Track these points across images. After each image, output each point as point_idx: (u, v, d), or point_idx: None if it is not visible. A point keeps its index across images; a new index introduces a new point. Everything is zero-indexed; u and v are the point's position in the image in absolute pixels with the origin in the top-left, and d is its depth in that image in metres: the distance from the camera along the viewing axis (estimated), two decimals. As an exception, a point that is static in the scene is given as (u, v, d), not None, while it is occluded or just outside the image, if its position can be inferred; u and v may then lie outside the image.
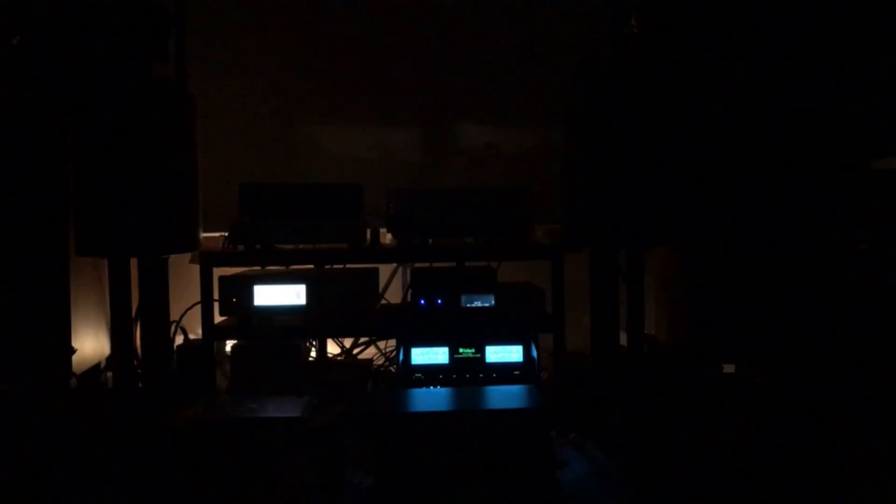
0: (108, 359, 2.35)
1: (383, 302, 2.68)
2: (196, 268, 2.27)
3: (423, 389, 2.13)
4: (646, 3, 2.14)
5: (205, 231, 2.24)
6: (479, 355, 2.23)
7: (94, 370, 2.28)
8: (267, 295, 2.25)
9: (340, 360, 2.63)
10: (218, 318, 2.27)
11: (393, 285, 2.82)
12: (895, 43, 2.11)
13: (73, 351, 2.05)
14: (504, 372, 2.23)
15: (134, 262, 2.09)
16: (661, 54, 2.13)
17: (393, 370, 2.46)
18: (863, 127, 2.15)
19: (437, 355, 2.23)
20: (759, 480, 1.75)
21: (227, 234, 2.33)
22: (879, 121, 2.14)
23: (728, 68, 2.16)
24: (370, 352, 2.70)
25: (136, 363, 2.19)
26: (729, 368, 2.34)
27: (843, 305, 2.13)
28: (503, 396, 1.90)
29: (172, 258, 2.19)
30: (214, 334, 2.26)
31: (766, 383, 2.22)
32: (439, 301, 2.27)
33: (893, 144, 2.14)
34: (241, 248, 2.29)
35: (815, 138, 2.16)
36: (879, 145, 2.17)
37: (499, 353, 2.24)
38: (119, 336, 2.06)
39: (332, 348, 2.66)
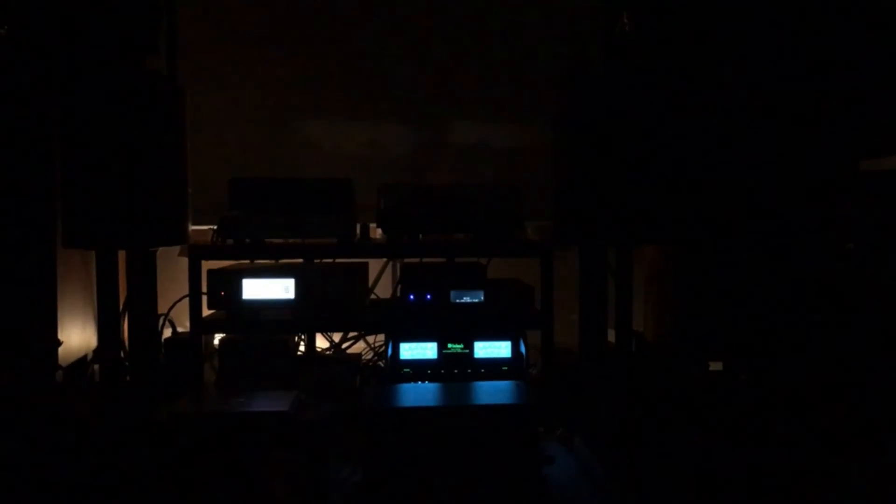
0: (95, 351, 2.34)
1: (373, 297, 2.68)
2: (184, 261, 2.26)
3: (412, 385, 2.14)
4: (637, 0, 2.15)
5: (194, 224, 2.23)
6: (467, 351, 2.23)
7: (81, 363, 2.26)
8: (256, 289, 2.24)
9: (329, 354, 2.63)
10: (206, 312, 2.26)
11: (383, 280, 2.82)
12: (884, 44, 2.12)
13: (59, 343, 2.03)
14: (492, 368, 2.23)
15: (122, 255, 2.08)
16: (651, 52, 2.13)
17: (382, 365, 2.46)
18: (852, 127, 2.17)
19: (425, 350, 2.23)
20: (746, 478, 1.76)
21: (216, 227, 2.32)
22: (869, 121, 2.16)
23: (718, 67, 2.17)
24: (359, 346, 2.70)
25: (123, 356, 2.18)
26: (716, 366, 2.35)
27: (831, 304, 2.15)
28: (491, 392, 1.90)
29: (161, 251, 2.18)
30: (202, 328, 2.25)
31: (752, 381, 2.23)
32: (429, 296, 2.27)
33: (882, 145, 2.16)
34: (230, 241, 2.28)
35: (804, 137, 2.17)
36: (868, 146, 2.18)
37: (487, 349, 2.24)
38: (106, 329, 2.06)
39: (321, 343, 2.65)
